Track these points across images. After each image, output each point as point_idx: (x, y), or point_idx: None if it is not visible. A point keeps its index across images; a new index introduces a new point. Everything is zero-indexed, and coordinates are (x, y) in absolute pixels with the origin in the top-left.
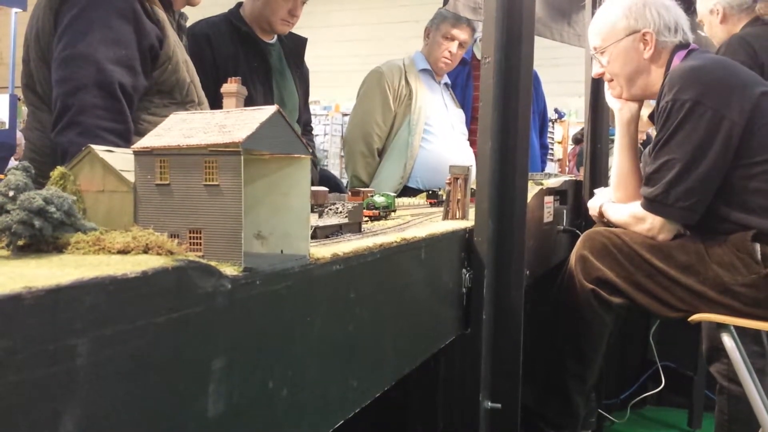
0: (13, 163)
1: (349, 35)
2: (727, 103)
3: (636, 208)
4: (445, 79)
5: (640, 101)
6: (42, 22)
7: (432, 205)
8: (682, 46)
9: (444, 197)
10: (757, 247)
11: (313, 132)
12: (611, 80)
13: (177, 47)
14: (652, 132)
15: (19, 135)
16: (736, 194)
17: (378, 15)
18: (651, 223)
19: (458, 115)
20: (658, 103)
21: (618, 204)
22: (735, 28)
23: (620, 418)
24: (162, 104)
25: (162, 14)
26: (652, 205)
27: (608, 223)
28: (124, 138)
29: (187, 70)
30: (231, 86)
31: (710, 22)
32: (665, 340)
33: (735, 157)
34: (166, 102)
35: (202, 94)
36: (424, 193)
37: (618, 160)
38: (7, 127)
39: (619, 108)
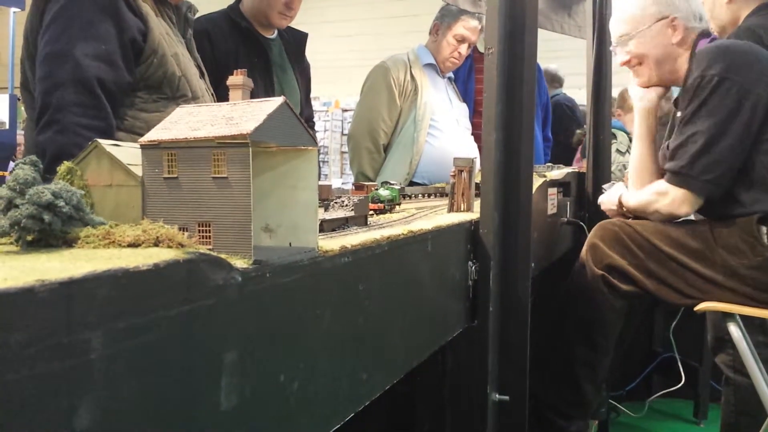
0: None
1: (347, 30)
2: (752, 77)
3: (658, 185)
4: (449, 73)
5: (661, 92)
6: (31, 21)
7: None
8: (706, 34)
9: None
10: (763, 229)
11: (315, 128)
12: (639, 64)
13: (164, 40)
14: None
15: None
16: (750, 171)
17: (376, 10)
18: (673, 196)
19: (462, 110)
20: (684, 83)
21: (638, 189)
22: (741, 12)
23: (626, 409)
24: (151, 99)
25: (147, 7)
26: (676, 177)
27: (627, 215)
28: (104, 134)
29: (179, 64)
30: (237, 78)
31: (715, 1)
32: (670, 331)
33: (756, 133)
34: (155, 97)
35: (197, 88)
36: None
37: (635, 150)
38: (7, 127)
39: (639, 97)
